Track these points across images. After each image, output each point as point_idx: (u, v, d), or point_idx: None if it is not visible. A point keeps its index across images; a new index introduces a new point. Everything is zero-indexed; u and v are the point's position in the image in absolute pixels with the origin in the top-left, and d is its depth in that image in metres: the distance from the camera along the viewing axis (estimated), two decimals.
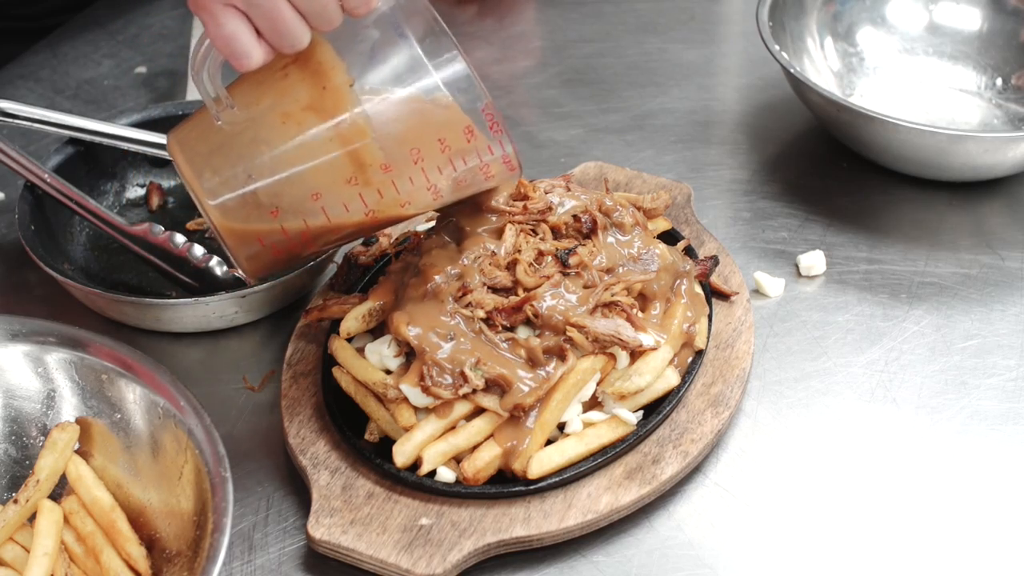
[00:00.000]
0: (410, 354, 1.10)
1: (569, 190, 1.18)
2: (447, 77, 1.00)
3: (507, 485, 1.07)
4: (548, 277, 1.11)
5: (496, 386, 1.07)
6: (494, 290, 1.11)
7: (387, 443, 1.10)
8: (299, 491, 1.12)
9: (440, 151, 1.02)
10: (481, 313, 1.09)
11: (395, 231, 1.25)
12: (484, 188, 1.09)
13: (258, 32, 0.95)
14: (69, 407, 1.09)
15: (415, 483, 1.07)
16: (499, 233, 1.14)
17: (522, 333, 1.09)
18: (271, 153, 1.01)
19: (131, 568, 1.02)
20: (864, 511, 1.10)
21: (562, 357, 1.08)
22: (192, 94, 1.47)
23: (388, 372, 1.11)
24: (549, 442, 1.08)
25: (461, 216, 1.14)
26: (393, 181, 1.02)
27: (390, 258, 1.21)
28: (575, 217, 1.16)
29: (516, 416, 1.07)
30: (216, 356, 1.25)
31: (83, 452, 1.07)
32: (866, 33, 1.54)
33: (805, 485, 1.12)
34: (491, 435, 1.07)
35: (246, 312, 1.25)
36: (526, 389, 1.07)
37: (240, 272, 1.07)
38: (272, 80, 1.01)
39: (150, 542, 1.04)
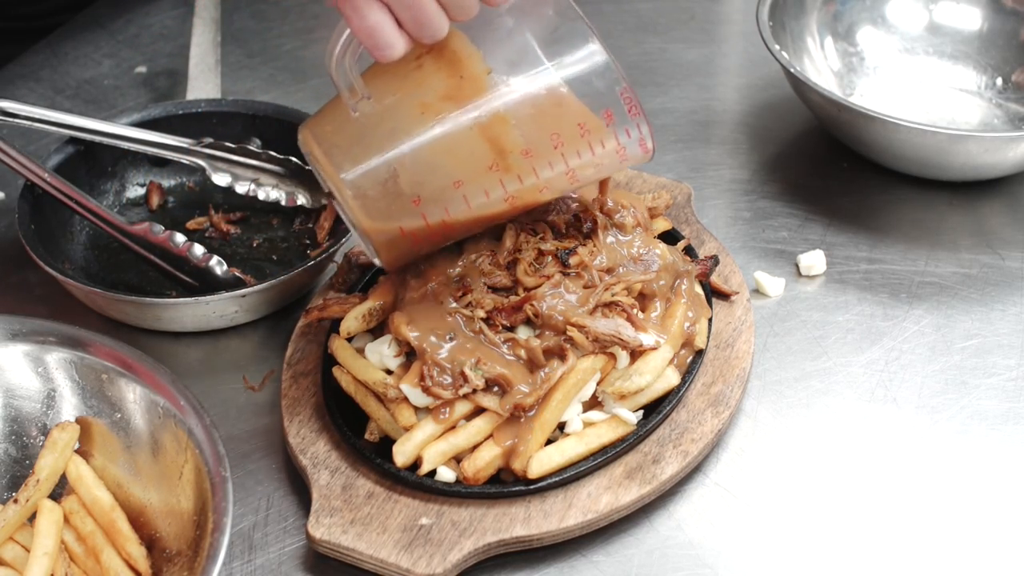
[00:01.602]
0: (410, 354, 1.10)
1: None
2: (584, 62, 1.02)
3: (507, 485, 1.07)
4: (548, 277, 1.11)
5: (496, 386, 1.07)
6: (494, 290, 1.11)
7: (387, 443, 1.10)
8: (299, 491, 1.12)
9: (580, 135, 1.03)
10: (481, 313, 1.09)
11: None
12: (616, 171, 1.10)
13: (399, 23, 0.97)
14: (69, 407, 1.09)
15: (415, 483, 1.07)
16: (499, 233, 1.14)
17: (522, 333, 1.09)
18: (412, 143, 1.02)
19: (131, 568, 1.02)
20: (864, 511, 1.10)
21: (562, 357, 1.08)
22: (193, 93, 1.47)
23: (388, 372, 1.11)
24: (549, 442, 1.08)
25: None
26: (533, 167, 1.04)
27: None
28: (576, 217, 1.16)
29: (516, 416, 1.07)
30: (216, 356, 1.25)
31: (83, 452, 1.07)
32: (866, 33, 1.54)
33: (805, 485, 1.12)
34: (491, 435, 1.07)
35: (246, 312, 1.25)
36: (526, 389, 1.07)
37: (377, 261, 1.08)
38: (406, 71, 1.02)
39: (150, 542, 1.04)
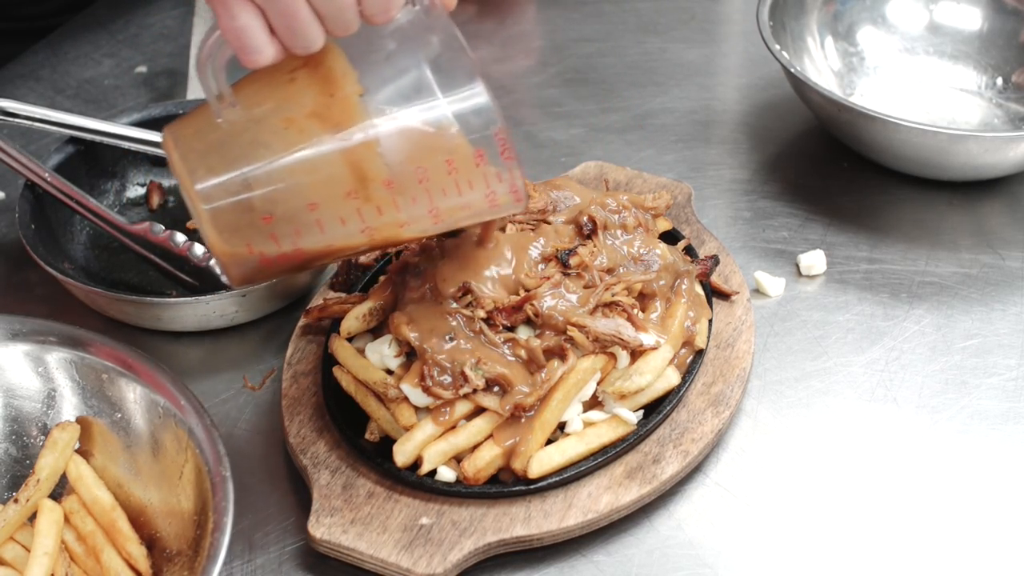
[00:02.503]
0: (410, 354, 1.10)
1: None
2: (462, 98, 0.97)
3: (507, 485, 1.07)
4: (548, 277, 1.11)
5: (496, 386, 1.07)
6: None
7: (387, 442, 1.10)
8: (299, 491, 1.12)
9: (447, 172, 0.98)
10: (481, 313, 1.09)
11: None
12: (487, 218, 1.05)
13: (272, 29, 0.92)
14: (69, 406, 1.09)
15: (415, 482, 1.07)
16: (502, 229, 1.14)
17: (522, 333, 1.09)
18: (270, 157, 0.96)
19: (131, 567, 1.02)
20: (864, 511, 1.10)
21: (562, 357, 1.08)
22: (193, 93, 1.47)
23: (388, 372, 1.11)
24: (549, 442, 1.08)
25: None
26: (394, 199, 0.98)
27: (390, 258, 1.21)
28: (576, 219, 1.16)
29: (516, 416, 1.07)
30: (216, 355, 1.25)
31: (83, 451, 1.07)
32: (866, 32, 1.54)
33: (805, 485, 1.12)
34: (491, 435, 1.07)
35: (246, 311, 1.25)
36: (526, 389, 1.07)
37: (225, 278, 1.02)
38: (279, 83, 0.97)
39: (150, 541, 1.04)
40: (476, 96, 0.97)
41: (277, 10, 0.91)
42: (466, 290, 1.10)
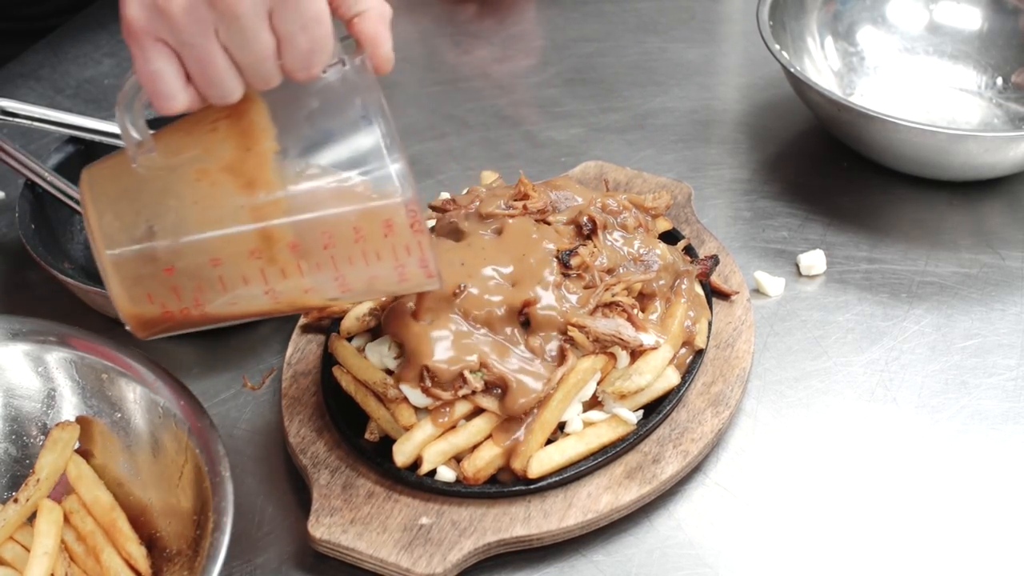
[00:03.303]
0: None
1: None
2: (378, 165, 0.93)
3: (507, 485, 1.07)
4: None
5: (496, 387, 1.07)
6: None
7: (387, 442, 1.10)
8: (299, 491, 1.12)
9: (354, 240, 0.94)
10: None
11: None
12: (401, 292, 1.02)
13: (189, 76, 0.90)
14: (69, 406, 1.09)
15: (415, 482, 1.07)
16: (499, 233, 1.14)
17: None
18: (178, 208, 0.93)
19: (131, 567, 1.02)
20: (864, 511, 1.10)
21: (562, 357, 1.08)
22: None
23: (388, 372, 1.11)
24: (549, 441, 1.08)
25: (459, 217, 1.14)
26: (299, 263, 0.94)
27: None
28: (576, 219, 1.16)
29: (516, 416, 1.07)
30: (216, 355, 1.25)
31: (83, 451, 1.07)
32: (866, 32, 1.54)
33: (805, 484, 1.12)
34: (491, 435, 1.07)
35: None
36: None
37: (128, 327, 0.99)
38: (200, 132, 0.95)
39: (150, 541, 1.04)
40: (391, 164, 0.93)
41: (193, 57, 0.88)
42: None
